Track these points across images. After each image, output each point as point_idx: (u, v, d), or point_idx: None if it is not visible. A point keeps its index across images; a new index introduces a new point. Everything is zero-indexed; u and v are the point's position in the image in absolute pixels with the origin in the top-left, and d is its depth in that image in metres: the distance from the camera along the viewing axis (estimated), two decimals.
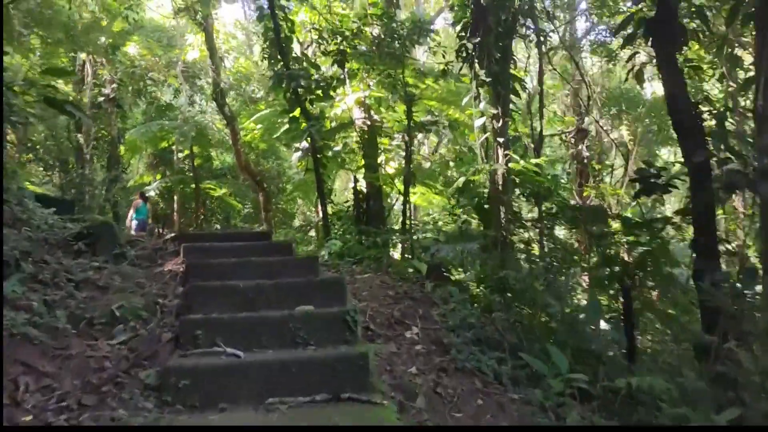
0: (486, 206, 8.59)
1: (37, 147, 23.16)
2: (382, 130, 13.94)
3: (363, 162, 14.04)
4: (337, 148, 14.09)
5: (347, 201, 14.59)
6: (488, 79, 8.55)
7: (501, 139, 8.52)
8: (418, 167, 14.93)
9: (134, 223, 15.66)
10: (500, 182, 8.58)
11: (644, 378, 3.74)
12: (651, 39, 5.75)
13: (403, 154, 15.23)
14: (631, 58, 7.95)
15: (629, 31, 7.07)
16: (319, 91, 12.09)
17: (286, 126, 14.99)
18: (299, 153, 14.12)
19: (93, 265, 5.01)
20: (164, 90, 25.43)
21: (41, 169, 24.10)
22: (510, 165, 8.42)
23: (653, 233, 6.11)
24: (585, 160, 12.87)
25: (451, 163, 15.45)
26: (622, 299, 5.59)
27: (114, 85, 21.59)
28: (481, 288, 7.32)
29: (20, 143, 22.52)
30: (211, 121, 21.49)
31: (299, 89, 11.54)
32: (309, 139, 11.31)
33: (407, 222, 12.48)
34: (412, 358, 4.17)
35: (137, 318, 3.93)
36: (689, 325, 5.64)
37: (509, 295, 6.27)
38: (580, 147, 12.97)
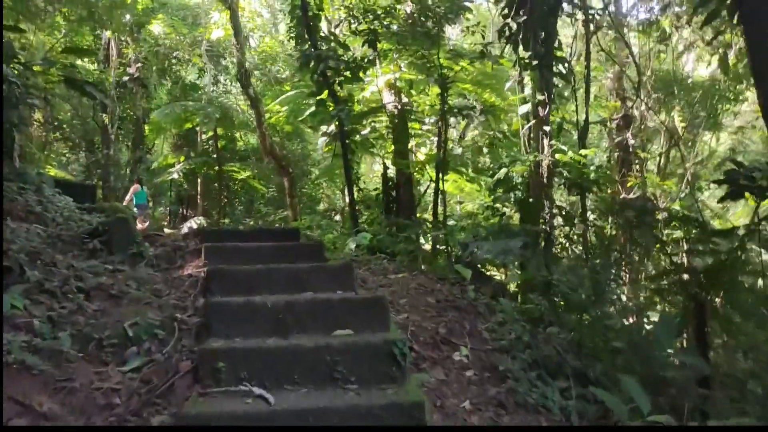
0: (529, 200, 7.98)
1: (64, 126, 22.92)
2: (413, 115, 13.33)
3: (392, 148, 13.47)
4: (364, 132, 13.54)
5: (376, 189, 14.06)
6: (534, 62, 7.89)
7: (547, 128, 7.88)
8: (449, 153, 14.31)
9: (135, 210, 15.23)
10: (545, 174, 7.97)
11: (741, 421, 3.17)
12: (738, 14, 5.06)
13: (434, 139, 14.66)
14: (715, 37, 7.17)
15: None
16: (348, 73, 11.49)
17: (313, 108, 14.49)
18: (325, 137, 13.58)
19: (107, 268, 4.56)
20: (189, 70, 25.02)
21: (66, 150, 23.93)
22: (556, 156, 7.79)
23: (737, 240, 5.46)
24: (630, 149, 12.13)
25: (485, 150, 14.79)
26: (691, 315, 5.00)
27: (138, 65, 21.18)
28: (527, 294, 6.77)
29: (46, 122, 22.32)
30: (235, 102, 21.02)
31: (327, 70, 10.97)
32: (337, 123, 10.76)
33: (439, 213, 11.92)
34: (464, 388, 3.64)
35: (153, 338, 3.45)
36: None
37: (561, 303, 5.72)
38: (624, 134, 12.22)
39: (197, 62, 20.54)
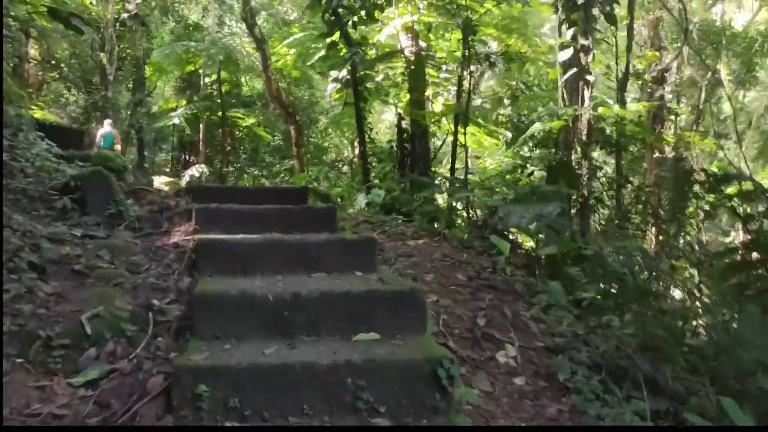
0: (565, 159, 7.08)
1: (62, 65, 21.86)
2: (430, 61, 12.30)
3: (407, 96, 12.48)
4: (378, 78, 12.52)
5: (390, 141, 13.12)
6: (580, 1, 6.88)
7: (590, 77, 6.93)
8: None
9: None
10: (584, 130, 7.06)
11: None
12: None
13: (452, 89, 13.63)
14: None
15: None
16: (363, 13, 10.43)
17: (323, 52, 13.44)
18: (336, 83, 12.56)
19: (74, 234, 3.75)
20: (192, 8, 23.75)
21: (65, 91, 22.91)
22: (600, 110, 6.86)
23: None
24: (668, 103, 11.12)
25: (506, 101, 13.78)
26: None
27: (138, 1, 19.97)
28: (563, 268, 5.96)
29: (43, 60, 21.27)
30: (240, 45, 19.86)
31: (340, 9, 9.94)
32: (349, 67, 9.78)
33: (458, 169, 11.05)
34: (515, 405, 2.86)
35: (119, 335, 2.66)
36: None
37: (614, 286, 4.92)
38: (661, 88, 11.21)
39: (201, 0, 19.29)
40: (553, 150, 8.85)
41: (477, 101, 14.57)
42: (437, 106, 12.97)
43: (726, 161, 12.38)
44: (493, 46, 13.76)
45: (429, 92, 12.92)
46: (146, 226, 4.35)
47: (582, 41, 6.90)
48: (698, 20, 10.92)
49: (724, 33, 10.78)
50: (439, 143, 13.98)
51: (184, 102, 18.93)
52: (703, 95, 10.75)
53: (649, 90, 11.59)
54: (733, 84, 11.74)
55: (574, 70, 7.05)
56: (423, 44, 12.68)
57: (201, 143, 19.79)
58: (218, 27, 21.61)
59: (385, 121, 20.81)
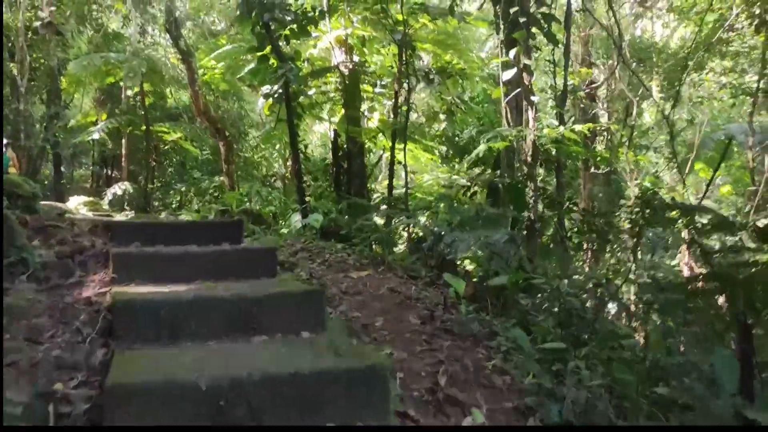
0: (515, 182, 6.85)
1: None
2: (366, 76, 11.99)
3: (342, 112, 12.11)
4: (311, 93, 12.09)
5: (324, 159, 12.72)
6: (522, 20, 6.70)
7: (535, 98, 6.75)
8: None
9: None
10: (529, 152, 6.88)
11: None
12: None
13: (387, 103, 13.37)
14: None
15: None
16: (295, 26, 10.02)
17: (253, 65, 12.92)
18: (267, 98, 12.04)
19: None
20: (112, 17, 22.58)
21: None
22: (546, 131, 6.69)
23: None
24: (599, 119, 11.20)
25: (441, 116, 13.62)
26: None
27: (52, 8, 18.76)
28: (515, 299, 5.71)
29: None
30: (165, 56, 18.95)
31: (271, 22, 9.50)
32: (283, 83, 9.32)
33: (395, 187, 10.76)
34: None
35: None
36: None
37: (573, 321, 4.68)
38: (594, 104, 11.29)
39: (120, 8, 18.30)
40: (490, 170, 8.68)
41: (413, 116, 14.36)
42: (373, 122, 12.67)
43: (656, 175, 12.62)
44: (426, 60, 13.60)
45: (364, 107, 12.60)
46: (54, 276, 3.77)
47: (525, 61, 6.72)
48: (627, 37, 11.08)
49: (655, 50, 11.03)
50: (374, 158, 13.65)
51: (104, 116, 17.87)
52: (634, 111, 10.93)
53: (581, 106, 11.68)
54: (663, 99, 12.01)
55: (518, 90, 6.87)
56: (357, 59, 12.37)
57: (124, 159, 18.73)
58: (140, 37, 20.61)
59: (316, 132, 20.31)
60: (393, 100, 12.15)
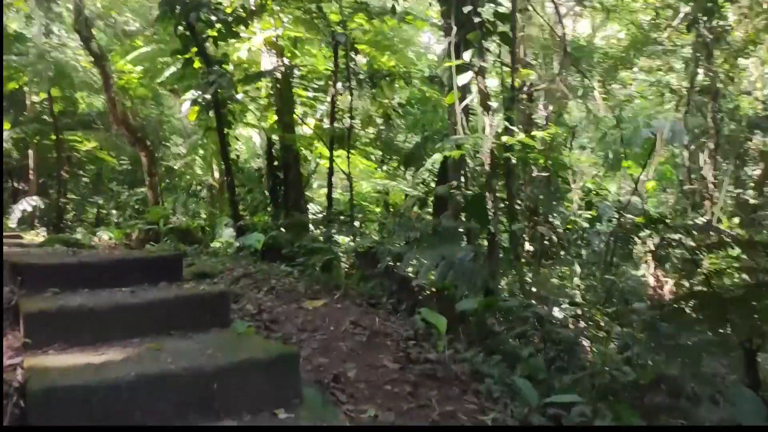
0: (478, 194, 6.41)
1: None
2: (303, 79, 11.32)
3: (274, 118, 11.39)
4: (239, 96, 11.30)
5: (258, 169, 11.95)
6: (477, 20, 6.27)
7: (493, 104, 6.35)
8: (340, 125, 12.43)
9: None
10: (487, 161, 6.47)
11: None
12: None
13: (322, 108, 12.75)
14: None
15: None
16: (222, 26, 9.27)
17: (174, 68, 12.05)
18: (190, 103, 11.13)
19: None
20: (13, 16, 20.76)
21: None
22: (505, 138, 6.28)
23: None
24: (545, 123, 11.01)
25: (378, 120, 13.11)
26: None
27: None
28: (486, 324, 5.27)
29: None
30: (74, 59, 17.47)
31: (196, 23, 8.72)
32: (213, 90, 8.55)
33: (335, 200, 10.16)
34: None
35: None
36: None
37: (554, 350, 4.27)
38: (532, 106, 11.10)
39: (20, 6, 16.76)
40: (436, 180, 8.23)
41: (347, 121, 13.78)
42: (308, 129, 12.00)
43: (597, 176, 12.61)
44: (360, 62, 13.07)
45: (299, 112, 11.94)
46: None
47: (480, 63, 6.30)
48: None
49: (592, 49, 10.98)
50: (310, 166, 12.97)
51: (7, 125, 16.29)
52: (575, 111, 10.83)
53: (522, 107, 11.47)
54: (603, 98, 12.01)
55: (474, 94, 6.45)
56: (287, 61, 11.67)
57: (32, 171, 17.19)
58: (46, 38, 19.01)
59: (241, 137, 19.31)
60: (329, 105, 11.55)
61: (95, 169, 18.72)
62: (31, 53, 15.72)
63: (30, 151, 17.10)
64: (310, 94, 12.39)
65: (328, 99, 11.16)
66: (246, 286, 5.93)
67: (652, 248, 6.28)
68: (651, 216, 6.56)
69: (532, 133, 6.51)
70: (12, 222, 14.37)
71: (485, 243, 6.84)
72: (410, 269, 6.23)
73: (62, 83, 16.03)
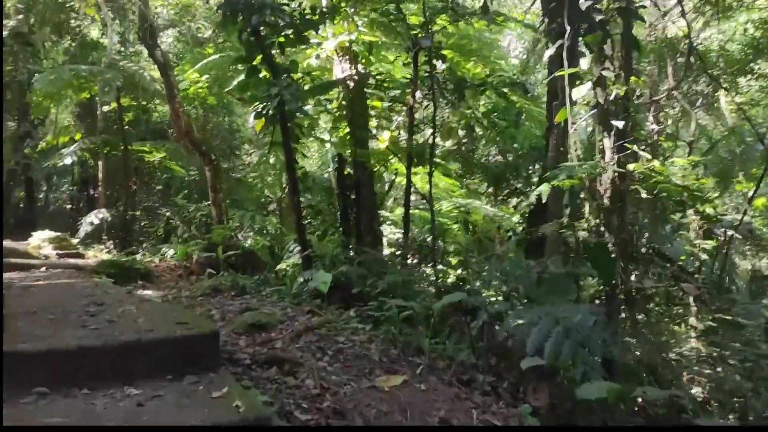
0: (601, 241, 5.06)
1: None
2: (376, 90, 10.23)
3: (345, 132, 10.34)
4: (308, 108, 10.31)
5: (328, 185, 10.93)
6: (599, 18, 4.96)
7: (619, 123, 5.01)
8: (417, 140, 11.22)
9: None
10: (606, 192, 5.13)
11: None
12: None
13: (399, 120, 11.62)
14: None
15: None
16: (291, 32, 8.30)
17: (242, 77, 11.17)
18: (258, 118, 10.22)
19: None
20: (90, 25, 20.75)
21: None
22: (632, 166, 4.94)
23: None
24: (655, 134, 9.45)
25: (461, 132, 11.85)
26: None
27: (20, 16, 16.96)
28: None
29: None
30: (148, 68, 17.08)
31: (262, 27, 7.78)
32: (278, 102, 7.57)
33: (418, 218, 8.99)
34: None
35: None
36: None
37: None
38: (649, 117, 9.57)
39: (92, 13, 16.51)
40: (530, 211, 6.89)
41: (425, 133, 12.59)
42: (381, 143, 10.90)
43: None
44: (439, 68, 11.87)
45: (372, 124, 10.86)
46: None
47: (605, 72, 4.99)
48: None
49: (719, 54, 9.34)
50: (387, 186, 11.86)
51: (78, 135, 16.02)
52: (693, 124, 9.21)
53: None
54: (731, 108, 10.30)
55: (593, 111, 5.13)
56: (362, 68, 10.60)
57: (101, 182, 16.90)
58: (121, 46, 18.80)
59: (311, 151, 18.39)
60: (405, 116, 10.41)
61: (165, 180, 18.30)
62: (103, 62, 15.38)
63: (99, 163, 16.80)
64: (385, 104, 11.29)
65: (405, 110, 10.06)
66: (307, 348, 4.82)
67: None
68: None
69: (672, 160, 5.10)
70: (79, 235, 13.96)
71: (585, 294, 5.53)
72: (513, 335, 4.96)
73: (133, 93, 15.63)
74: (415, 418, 3.61)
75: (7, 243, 10.34)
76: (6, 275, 7.71)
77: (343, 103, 10.13)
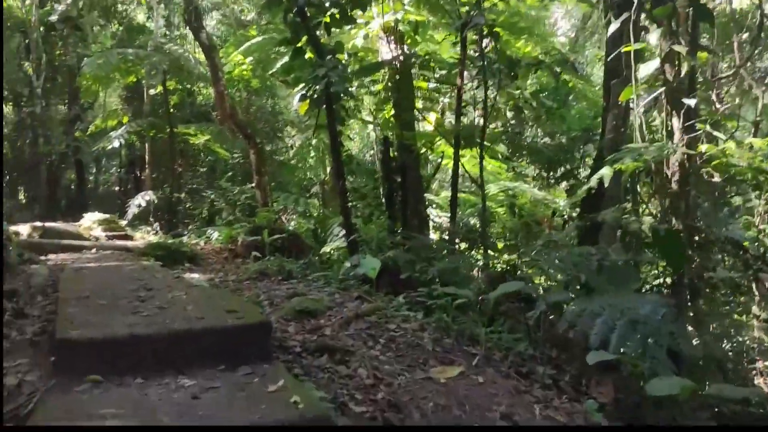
0: (670, 228, 4.79)
1: None
2: (423, 71, 10.00)
3: (392, 115, 10.16)
4: (352, 88, 10.13)
5: (373, 170, 10.79)
6: None
7: (690, 101, 4.70)
8: (465, 122, 10.94)
9: None
10: (675, 176, 4.84)
11: None
12: None
13: (445, 101, 11.38)
14: None
15: None
16: (337, 12, 8.11)
17: (286, 58, 11.03)
18: (302, 100, 10.09)
19: None
20: (136, 9, 20.95)
21: None
22: (704, 147, 4.64)
23: None
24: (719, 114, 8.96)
25: (509, 113, 11.53)
26: None
27: (69, 1, 17.19)
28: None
29: None
30: (193, 51, 17.14)
31: (307, 8, 7.62)
32: (324, 85, 7.42)
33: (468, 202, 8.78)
34: None
35: None
36: None
37: None
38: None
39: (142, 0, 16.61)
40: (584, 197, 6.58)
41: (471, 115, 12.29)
42: (428, 125, 10.68)
43: None
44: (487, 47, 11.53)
45: (419, 106, 10.64)
46: None
47: (675, 47, 4.69)
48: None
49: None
50: (430, 167, 11.65)
51: (125, 119, 16.22)
52: (760, 103, 8.69)
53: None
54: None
55: (661, 89, 4.84)
56: (407, 49, 10.36)
57: (148, 165, 17.12)
58: (166, 30, 18.94)
59: (355, 132, 18.25)
60: (452, 98, 10.17)
61: (210, 162, 18.43)
62: (150, 46, 15.49)
63: (146, 145, 17.00)
64: (432, 85, 11.05)
65: (453, 91, 9.81)
66: (357, 335, 4.70)
67: None
68: None
69: (754, 140, 4.77)
70: (127, 217, 14.18)
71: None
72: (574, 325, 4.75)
73: (180, 75, 15.71)
74: (474, 412, 3.46)
75: (60, 224, 10.55)
76: (60, 256, 7.86)
77: (389, 84, 9.93)
